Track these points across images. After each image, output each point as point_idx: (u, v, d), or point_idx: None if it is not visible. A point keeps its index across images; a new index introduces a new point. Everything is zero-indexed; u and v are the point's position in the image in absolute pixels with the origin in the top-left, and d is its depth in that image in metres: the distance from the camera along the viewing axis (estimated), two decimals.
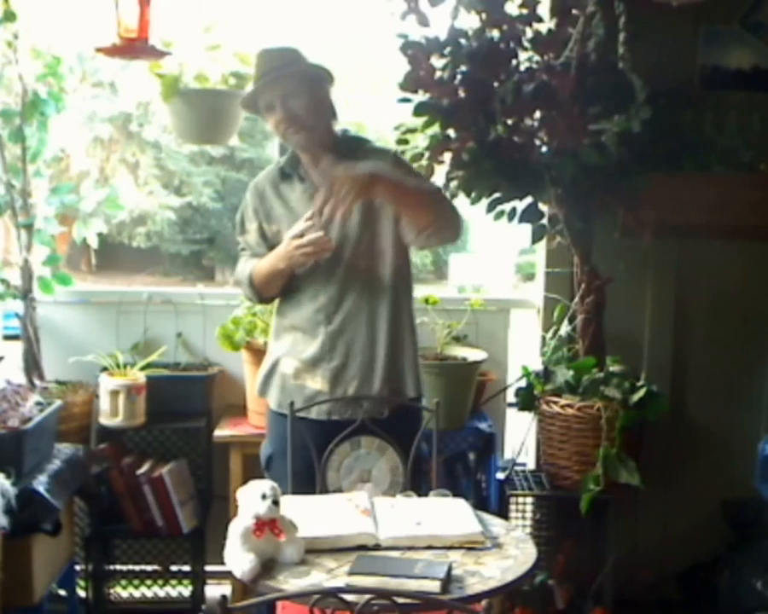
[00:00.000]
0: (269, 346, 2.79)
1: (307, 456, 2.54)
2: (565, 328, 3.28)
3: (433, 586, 1.80)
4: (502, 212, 3.12)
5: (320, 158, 2.63)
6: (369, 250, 2.61)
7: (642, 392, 2.93)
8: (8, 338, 3.49)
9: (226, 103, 3.35)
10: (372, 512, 2.16)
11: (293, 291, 2.67)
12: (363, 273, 2.61)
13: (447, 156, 3.06)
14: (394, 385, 2.63)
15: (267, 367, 2.74)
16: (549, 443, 3.08)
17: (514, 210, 3.12)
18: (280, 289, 2.69)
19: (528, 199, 3.10)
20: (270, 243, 2.69)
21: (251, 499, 1.94)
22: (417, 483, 2.58)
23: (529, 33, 2.97)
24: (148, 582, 3.54)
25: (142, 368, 3.32)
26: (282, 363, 2.67)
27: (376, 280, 2.62)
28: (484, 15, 2.95)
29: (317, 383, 2.62)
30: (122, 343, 3.45)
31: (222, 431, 3.30)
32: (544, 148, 3.03)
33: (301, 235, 2.52)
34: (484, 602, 1.82)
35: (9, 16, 3.15)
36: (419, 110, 2.99)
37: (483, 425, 3.33)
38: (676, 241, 3.40)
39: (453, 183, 3.07)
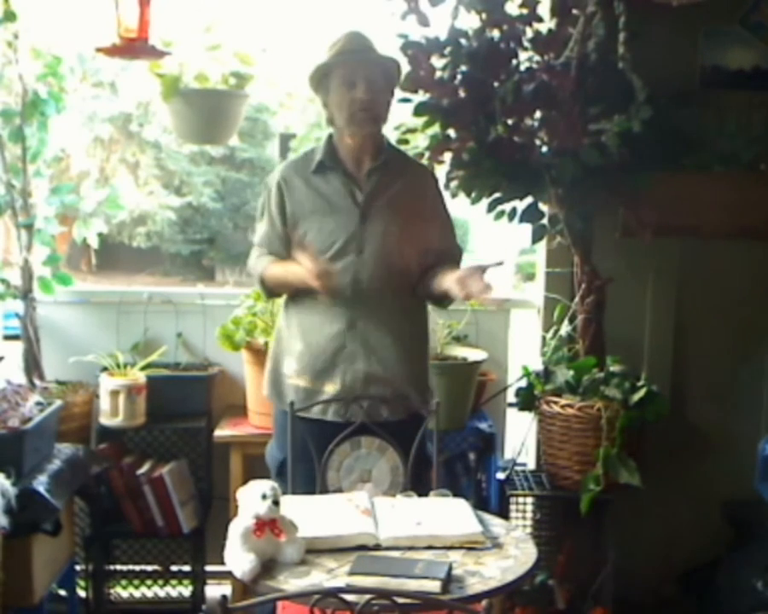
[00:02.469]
0: (275, 345, 2.73)
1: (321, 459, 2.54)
2: (565, 328, 3.27)
3: (434, 586, 1.80)
4: (502, 212, 3.12)
5: (364, 155, 2.61)
6: (395, 275, 2.60)
7: (642, 392, 2.92)
8: (8, 338, 3.48)
9: (226, 103, 3.35)
10: (372, 512, 2.15)
11: (310, 296, 2.59)
12: (388, 298, 2.59)
13: (447, 156, 3.06)
14: (409, 391, 2.64)
15: (274, 370, 2.71)
16: (550, 443, 3.07)
17: (514, 210, 3.12)
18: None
19: (528, 199, 3.10)
20: (293, 239, 2.62)
21: (251, 499, 1.94)
22: (428, 487, 2.56)
23: (529, 33, 2.97)
24: (149, 582, 3.54)
25: (143, 368, 3.32)
26: (291, 368, 2.64)
27: (398, 302, 2.62)
28: (484, 15, 2.95)
29: (335, 388, 2.60)
30: (122, 343, 3.45)
31: (222, 431, 3.30)
32: (544, 148, 3.03)
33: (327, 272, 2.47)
34: (484, 602, 1.82)
35: (9, 16, 3.15)
36: (419, 110, 2.99)
37: (483, 425, 3.33)
38: (676, 241, 3.39)
39: (453, 183, 3.07)
